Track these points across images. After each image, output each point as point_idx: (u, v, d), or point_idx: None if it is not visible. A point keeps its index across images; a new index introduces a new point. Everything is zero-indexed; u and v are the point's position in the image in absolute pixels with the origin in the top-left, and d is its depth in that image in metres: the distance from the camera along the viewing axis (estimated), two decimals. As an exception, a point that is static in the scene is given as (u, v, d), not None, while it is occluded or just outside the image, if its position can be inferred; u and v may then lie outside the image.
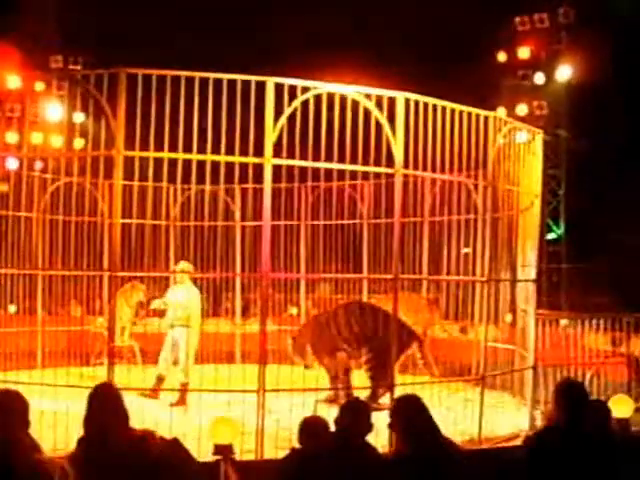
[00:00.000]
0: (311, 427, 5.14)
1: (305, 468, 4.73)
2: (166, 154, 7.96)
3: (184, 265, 11.18)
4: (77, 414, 7.69)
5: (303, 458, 4.85)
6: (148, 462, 4.27)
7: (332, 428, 5.16)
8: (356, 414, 5.02)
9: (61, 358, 13.15)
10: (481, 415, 8.76)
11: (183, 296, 10.85)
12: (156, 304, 11.20)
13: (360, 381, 10.56)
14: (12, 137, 14.15)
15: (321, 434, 5.07)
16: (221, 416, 6.46)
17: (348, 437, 4.89)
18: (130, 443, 4.32)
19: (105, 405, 4.49)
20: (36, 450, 4.07)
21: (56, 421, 8.01)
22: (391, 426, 5.04)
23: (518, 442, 8.12)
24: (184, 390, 10.43)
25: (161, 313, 11.38)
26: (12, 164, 14.23)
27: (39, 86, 13.58)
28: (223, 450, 5.99)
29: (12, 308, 15.02)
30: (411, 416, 4.95)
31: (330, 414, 5.29)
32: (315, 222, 14.19)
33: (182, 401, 10.27)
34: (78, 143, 14.58)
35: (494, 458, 6.73)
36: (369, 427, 5.01)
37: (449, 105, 8.69)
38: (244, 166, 8.39)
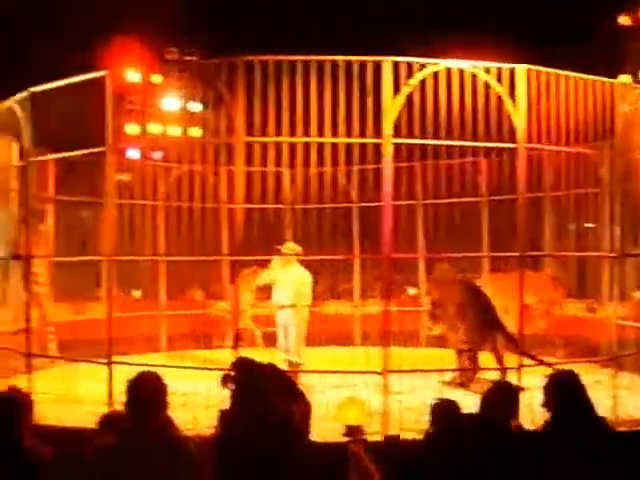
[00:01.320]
0: (442, 411, 5.05)
1: (442, 452, 4.64)
2: (285, 138, 8.00)
3: (293, 246, 11.23)
4: (204, 395, 7.98)
5: (439, 442, 4.76)
6: (285, 439, 4.30)
7: (464, 410, 5.07)
8: (506, 397, 4.91)
9: (183, 342, 13.44)
10: (615, 397, 8.45)
11: (292, 277, 10.90)
12: (261, 279, 11.33)
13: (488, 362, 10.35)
14: (133, 129, 14.55)
15: (453, 417, 4.97)
16: (349, 397, 6.42)
17: (495, 421, 4.77)
18: (275, 419, 4.35)
19: (259, 381, 4.52)
20: (177, 430, 4.16)
21: (186, 402, 8.24)
22: (545, 404, 4.86)
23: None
24: (296, 371, 10.44)
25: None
26: (134, 154, 14.62)
27: (157, 78, 13.88)
28: (353, 431, 5.94)
29: (137, 293, 15.49)
30: (569, 393, 4.78)
31: (455, 396, 5.18)
32: (435, 201, 13.90)
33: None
34: (195, 132, 14.88)
35: (633, 442, 6.44)
36: (516, 412, 4.88)
37: (572, 75, 8.39)
38: (363, 147, 8.34)
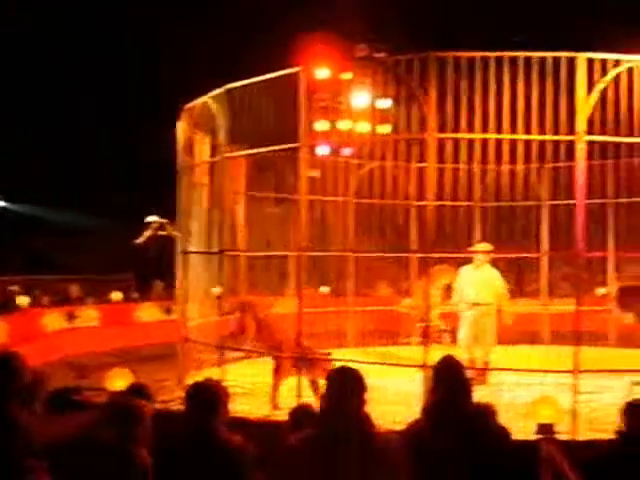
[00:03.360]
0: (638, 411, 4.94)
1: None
2: (478, 135, 8.04)
3: (485, 246, 11.17)
4: (391, 391, 8.05)
5: (635, 442, 4.67)
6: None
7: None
8: None
9: (370, 337, 13.53)
10: None
11: (481, 276, 10.86)
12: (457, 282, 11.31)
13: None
14: (323, 125, 14.80)
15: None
16: (543, 395, 6.41)
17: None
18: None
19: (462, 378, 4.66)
20: (373, 426, 4.19)
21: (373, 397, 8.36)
22: None
23: None
24: (485, 369, 10.34)
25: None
26: (323, 151, 14.81)
27: (346, 75, 14.08)
28: (545, 429, 5.94)
29: (324, 289, 15.78)
30: None
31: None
32: (629, 200, 13.14)
33: (483, 380, 10.16)
34: (384, 129, 14.99)
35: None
36: None
37: None
38: (556, 145, 8.23)
